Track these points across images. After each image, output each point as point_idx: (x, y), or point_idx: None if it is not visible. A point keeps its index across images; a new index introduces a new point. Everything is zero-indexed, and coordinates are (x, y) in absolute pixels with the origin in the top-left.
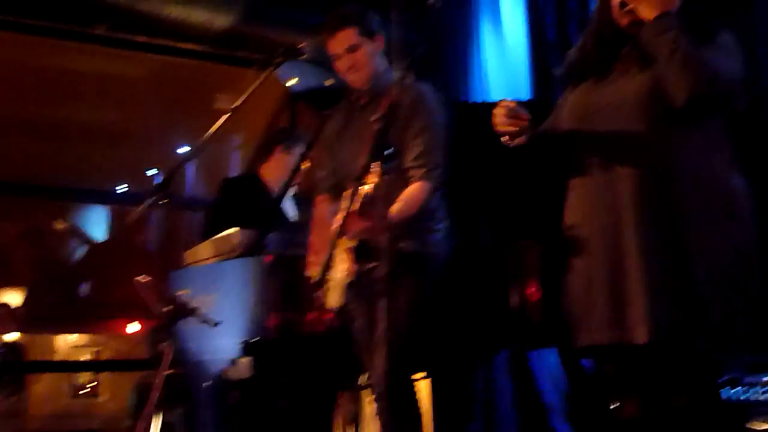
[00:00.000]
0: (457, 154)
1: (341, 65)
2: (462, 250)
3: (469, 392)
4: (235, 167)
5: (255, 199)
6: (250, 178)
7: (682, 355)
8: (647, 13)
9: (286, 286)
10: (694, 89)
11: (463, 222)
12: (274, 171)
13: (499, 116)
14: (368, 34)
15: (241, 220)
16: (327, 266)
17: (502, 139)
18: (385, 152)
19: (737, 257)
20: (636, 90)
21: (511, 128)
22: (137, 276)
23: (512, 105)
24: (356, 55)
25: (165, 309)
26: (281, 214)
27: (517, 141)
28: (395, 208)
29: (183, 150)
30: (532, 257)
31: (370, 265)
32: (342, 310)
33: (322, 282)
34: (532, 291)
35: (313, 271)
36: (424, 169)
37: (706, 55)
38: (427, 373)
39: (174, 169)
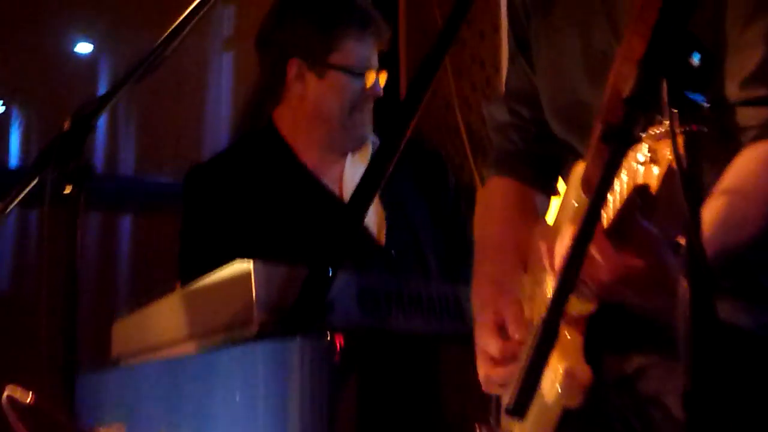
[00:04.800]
0: None
1: None
2: None
3: None
4: (219, 102)
5: (295, 186)
6: (270, 134)
7: None
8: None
9: (383, 404)
10: None
11: None
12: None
13: None
14: None
15: (264, 240)
16: (534, 370)
17: None
18: (696, 63)
19: None
20: None
21: None
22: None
23: None
24: None
25: None
26: (362, 225)
27: None
28: (714, 208)
29: (84, 49)
30: None
31: (634, 363)
32: None
33: (522, 408)
34: None
35: (493, 382)
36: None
37: None
38: None
39: (87, 112)
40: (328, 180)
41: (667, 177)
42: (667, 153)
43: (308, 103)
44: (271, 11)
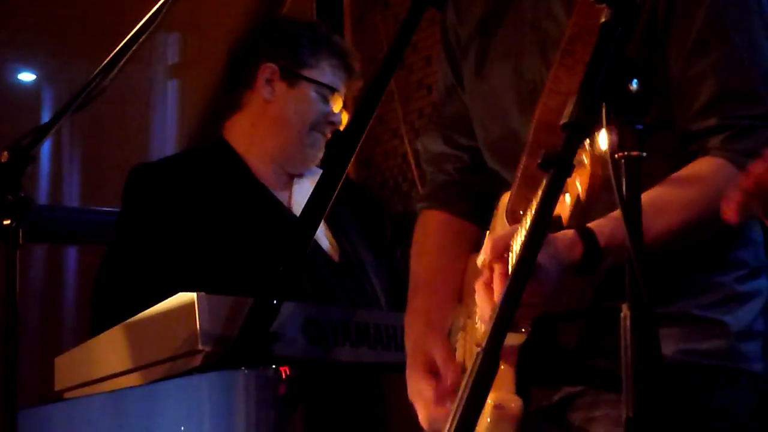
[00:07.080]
0: None
1: None
2: None
3: None
4: (165, 129)
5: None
6: (221, 148)
7: None
8: None
9: None
10: None
11: None
12: (261, 133)
13: None
14: None
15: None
16: (472, 405)
17: None
18: (634, 89)
19: None
20: None
21: None
22: None
23: None
24: None
25: None
26: (312, 254)
27: None
28: (651, 211)
29: (26, 78)
30: None
31: (561, 392)
32: None
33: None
34: None
35: (437, 422)
36: (722, 134)
37: None
38: None
39: (25, 143)
40: (280, 197)
41: (577, 206)
42: (576, 182)
43: (273, 107)
44: (260, 22)
